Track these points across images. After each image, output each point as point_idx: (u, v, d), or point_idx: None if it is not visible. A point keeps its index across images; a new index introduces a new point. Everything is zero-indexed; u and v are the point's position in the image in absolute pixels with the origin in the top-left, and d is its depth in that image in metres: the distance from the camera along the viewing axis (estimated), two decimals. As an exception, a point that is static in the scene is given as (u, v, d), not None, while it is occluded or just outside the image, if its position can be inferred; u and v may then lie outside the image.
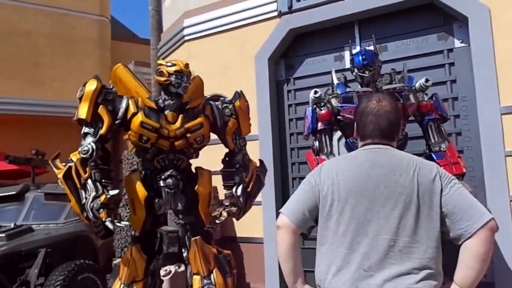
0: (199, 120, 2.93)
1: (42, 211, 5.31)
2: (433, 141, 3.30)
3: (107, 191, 2.60)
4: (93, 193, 2.55)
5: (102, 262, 5.20)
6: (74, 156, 2.62)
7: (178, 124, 2.86)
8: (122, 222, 2.60)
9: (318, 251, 1.53)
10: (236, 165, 3.16)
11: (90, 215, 2.54)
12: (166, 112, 2.87)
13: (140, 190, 2.79)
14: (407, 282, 1.34)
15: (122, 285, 2.80)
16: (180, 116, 2.88)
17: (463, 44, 4.43)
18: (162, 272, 3.08)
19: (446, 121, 3.43)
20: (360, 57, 3.25)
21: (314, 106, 3.48)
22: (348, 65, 5.00)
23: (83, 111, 2.66)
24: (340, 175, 1.50)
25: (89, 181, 2.59)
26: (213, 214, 3.08)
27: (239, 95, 3.24)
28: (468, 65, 4.35)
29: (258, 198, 4.30)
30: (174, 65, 2.85)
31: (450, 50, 4.51)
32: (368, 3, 4.78)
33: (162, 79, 2.83)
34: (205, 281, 2.83)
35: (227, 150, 3.25)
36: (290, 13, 5.20)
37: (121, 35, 12.43)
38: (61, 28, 10.49)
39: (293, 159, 5.36)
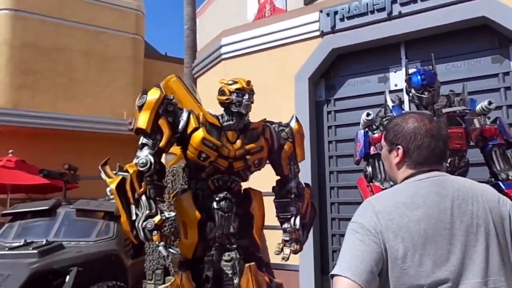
0: (259, 142, 2.79)
1: (73, 227, 5.20)
2: (498, 168, 3.03)
3: (162, 212, 2.44)
4: (147, 212, 2.38)
5: (131, 283, 5.03)
6: (131, 168, 2.46)
7: (238, 144, 2.71)
8: (174, 248, 2.43)
9: None
10: (290, 193, 2.96)
11: (141, 235, 2.36)
12: (227, 130, 2.73)
13: (193, 212, 2.62)
14: None
15: None
16: (241, 136, 2.74)
17: (521, 68, 4.18)
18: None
19: (511, 146, 3.17)
20: (419, 77, 3.05)
21: (366, 129, 3.28)
22: (392, 86, 4.86)
23: (143, 121, 2.52)
24: (405, 216, 1.21)
25: (144, 197, 2.42)
26: (274, 252, 2.89)
27: (297, 119, 3.09)
28: (527, 89, 4.09)
29: None
30: (235, 82, 2.73)
31: (506, 74, 4.27)
32: (416, 24, 4.60)
33: (224, 98, 2.71)
34: None
35: (274, 174, 3.06)
36: (333, 33, 5.07)
37: (154, 54, 12.62)
38: (97, 45, 10.72)
39: (331, 183, 5.13)
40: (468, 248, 1.19)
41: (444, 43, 4.57)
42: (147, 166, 2.44)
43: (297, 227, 2.87)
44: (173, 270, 4.59)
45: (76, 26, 10.48)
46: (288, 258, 2.87)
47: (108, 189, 2.49)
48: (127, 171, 2.48)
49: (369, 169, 3.18)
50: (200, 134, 2.59)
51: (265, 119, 2.95)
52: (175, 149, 2.83)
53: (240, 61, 5.83)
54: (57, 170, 6.44)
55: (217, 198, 2.67)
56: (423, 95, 3.04)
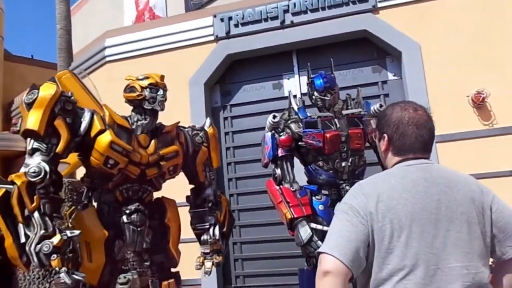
0: (174, 147, 2.51)
1: None
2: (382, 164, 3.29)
3: (62, 231, 2.00)
4: (41, 231, 1.94)
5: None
6: (18, 179, 1.99)
7: (151, 149, 2.40)
8: (79, 274, 1.99)
9: None
10: (206, 202, 2.76)
11: (35, 261, 1.91)
12: (138, 133, 2.40)
13: (99, 230, 2.23)
14: None
15: None
16: (153, 140, 2.44)
17: (395, 77, 4.69)
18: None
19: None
20: (321, 80, 3.16)
21: (273, 131, 3.25)
22: (286, 93, 5.01)
23: (34, 121, 2.07)
24: (394, 199, 1.24)
25: (36, 214, 1.97)
26: (195, 266, 2.61)
27: (211, 122, 2.91)
28: (401, 96, 4.58)
29: (192, 234, 3.88)
30: (147, 78, 2.44)
31: (384, 82, 4.74)
32: (305, 34, 4.85)
33: (135, 94, 2.39)
34: None
35: (187, 182, 2.82)
36: (228, 38, 5.03)
37: (16, 56, 11.01)
38: None
39: (231, 190, 5.04)
40: (452, 234, 1.22)
41: (332, 53, 4.83)
42: (40, 176, 2.01)
43: (217, 237, 2.67)
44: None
45: None
46: (210, 272, 2.65)
47: None
48: (12, 183, 2.00)
49: (278, 171, 3.14)
50: (107, 137, 2.23)
51: (178, 122, 2.70)
52: (69, 157, 2.39)
53: (128, 64, 5.40)
54: None
55: (127, 211, 2.33)
56: (326, 97, 3.14)
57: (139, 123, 2.43)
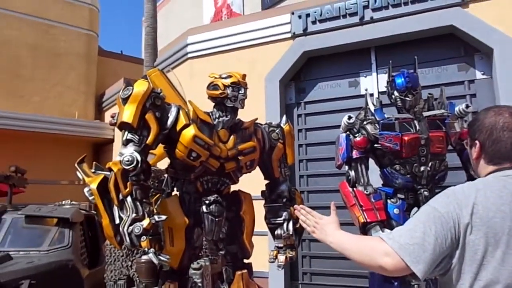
0: (252, 143, 2.61)
1: (22, 236, 4.70)
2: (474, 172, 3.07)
3: (151, 215, 2.20)
4: (133, 215, 2.13)
5: (88, 295, 4.64)
6: (115, 166, 2.20)
7: (230, 144, 2.52)
8: (164, 256, 2.18)
9: None
10: (281, 197, 2.82)
11: (127, 241, 2.10)
12: (219, 128, 2.54)
13: (181, 217, 2.40)
14: None
15: None
16: (232, 136, 2.56)
17: (484, 76, 4.34)
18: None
19: (487, 151, 3.23)
20: (403, 79, 3.01)
21: (347, 132, 3.20)
22: (363, 91, 4.88)
23: (129, 115, 2.27)
24: (491, 211, 1.17)
25: (129, 198, 2.17)
26: (269, 259, 2.72)
27: (287, 120, 2.97)
28: (491, 97, 4.25)
29: (264, 227, 3.97)
30: (230, 76, 2.53)
31: (471, 81, 4.42)
32: (386, 30, 4.67)
33: (217, 92, 2.51)
34: None
35: (261, 177, 2.91)
36: (305, 36, 5.02)
37: (108, 52, 12.00)
38: (46, 39, 9.96)
39: (301, 187, 5.05)
40: None
41: (413, 50, 4.65)
42: (133, 164, 2.20)
43: (290, 232, 2.72)
44: (137, 281, 4.27)
45: (22, 18, 9.69)
46: (284, 266, 2.72)
47: (86, 189, 2.22)
48: (110, 170, 2.22)
49: (352, 173, 3.09)
50: (191, 131, 2.38)
51: (256, 118, 2.79)
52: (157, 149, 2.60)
53: (208, 61, 5.64)
54: (1, 172, 5.85)
55: (207, 201, 2.47)
56: (406, 98, 3.00)
57: (220, 119, 2.53)
